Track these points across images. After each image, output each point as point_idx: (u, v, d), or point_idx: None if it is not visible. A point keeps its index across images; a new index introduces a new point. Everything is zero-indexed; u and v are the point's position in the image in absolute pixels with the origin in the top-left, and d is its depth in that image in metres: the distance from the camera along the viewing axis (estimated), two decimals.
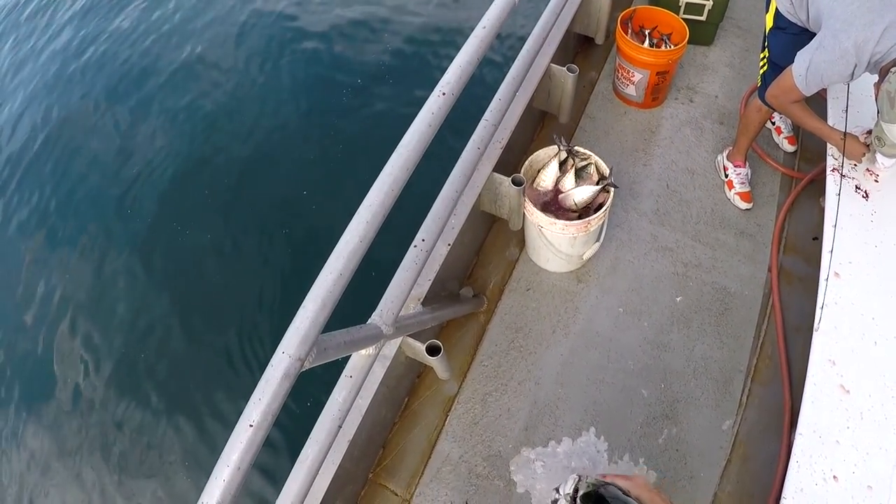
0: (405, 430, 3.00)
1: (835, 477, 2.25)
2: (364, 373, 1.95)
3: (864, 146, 2.88)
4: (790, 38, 2.96)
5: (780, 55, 3.01)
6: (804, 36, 2.84)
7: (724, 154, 3.75)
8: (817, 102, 3.54)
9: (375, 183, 1.69)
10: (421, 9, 6.80)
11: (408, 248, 2.33)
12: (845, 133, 2.86)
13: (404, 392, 3.06)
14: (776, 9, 2.97)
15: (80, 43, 7.14)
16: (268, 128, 5.85)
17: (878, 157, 2.88)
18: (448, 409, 3.04)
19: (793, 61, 2.75)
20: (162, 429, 4.29)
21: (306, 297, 1.47)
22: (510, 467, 2.89)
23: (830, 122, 3.10)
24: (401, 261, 2.29)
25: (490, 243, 3.51)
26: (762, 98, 3.21)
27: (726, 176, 3.72)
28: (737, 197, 3.66)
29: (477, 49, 2.12)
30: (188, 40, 6.85)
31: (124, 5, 7.48)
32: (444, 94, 1.93)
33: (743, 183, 3.65)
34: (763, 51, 3.19)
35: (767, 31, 3.11)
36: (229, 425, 3.96)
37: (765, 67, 3.19)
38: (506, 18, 2.29)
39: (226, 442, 1.31)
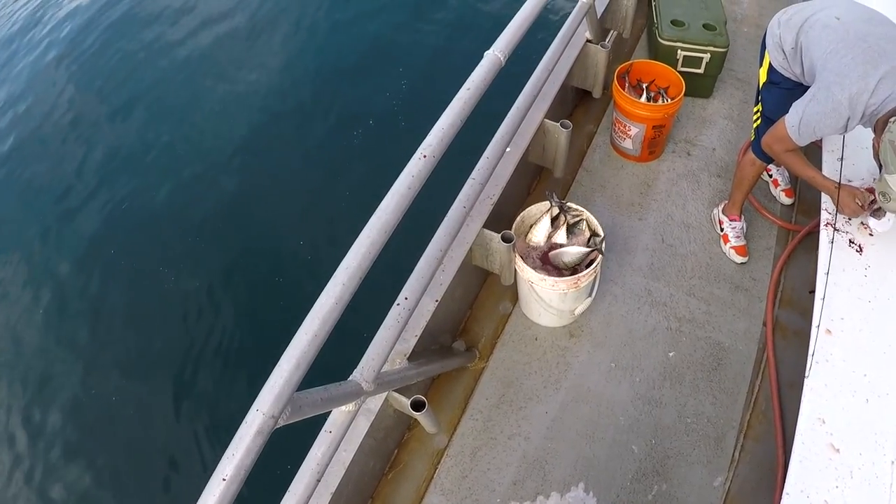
0: (394, 483, 3.06)
1: None
2: (344, 428, 2.04)
3: (858, 200, 2.87)
4: (784, 92, 3.06)
5: (773, 110, 3.11)
6: (798, 90, 2.91)
7: (720, 208, 3.84)
8: (813, 151, 3.63)
9: (354, 245, 1.79)
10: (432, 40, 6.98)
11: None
12: (839, 184, 2.90)
13: (393, 444, 3.13)
14: (769, 63, 3.08)
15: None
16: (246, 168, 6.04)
17: (871, 221, 2.92)
18: (437, 463, 3.10)
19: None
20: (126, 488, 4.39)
21: (282, 357, 1.56)
22: None
23: (825, 172, 3.14)
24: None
25: (483, 297, 3.60)
26: (755, 151, 3.33)
27: (721, 230, 3.80)
28: (732, 251, 3.74)
29: (460, 111, 2.22)
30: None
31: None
32: (425, 156, 2.03)
33: (738, 237, 3.73)
34: (757, 104, 3.31)
35: (761, 85, 3.23)
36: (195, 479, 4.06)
37: (758, 122, 3.30)
38: (491, 79, 2.39)
39: (198, 497, 1.41)
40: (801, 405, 2.54)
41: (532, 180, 4.04)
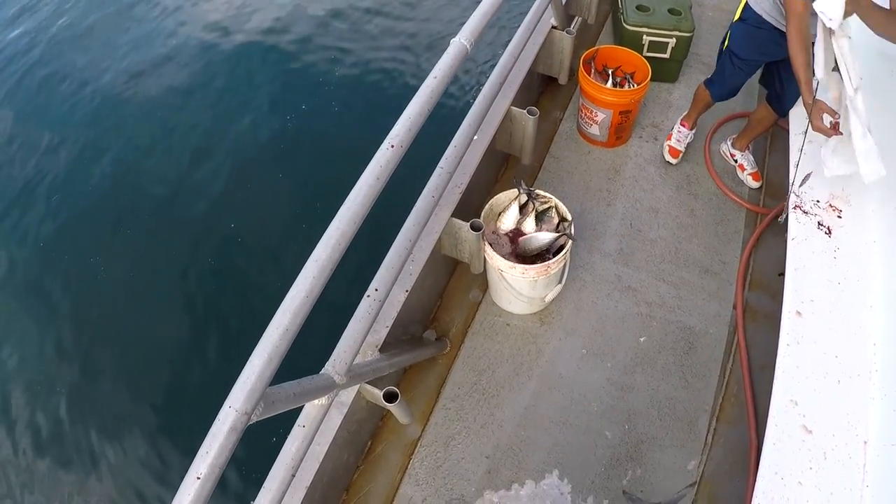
0: (368, 474, 3.06)
1: None
2: (317, 422, 2.04)
3: (827, 120, 2.87)
4: (751, 28, 3.25)
5: (738, 44, 3.36)
6: (763, 30, 3.15)
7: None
8: (782, 136, 3.67)
9: (323, 237, 1.78)
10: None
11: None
12: (815, 98, 2.90)
13: (367, 436, 3.13)
14: (745, 2, 3.24)
15: None
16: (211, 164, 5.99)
17: (827, 158, 2.93)
18: (411, 453, 3.11)
19: (751, 52, 3.22)
20: (98, 478, 4.34)
21: (253, 352, 1.56)
22: None
23: (793, 158, 3.18)
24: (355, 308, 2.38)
25: (453, 286, 3.61)
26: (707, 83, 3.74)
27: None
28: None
29: (427, 100, 2.21)
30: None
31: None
32: (392, 146, 2.03)
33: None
34: (724, 42, 3.48)
35: (733, 22, 3.39)
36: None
37: (720, 56, 3.53)
38: (458, 67, 2.38)
39: (173, 496, 1.40)
40: (773, 387, 2.54)
41: (499, 168, 4.05)
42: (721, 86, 3.71)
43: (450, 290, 3.61)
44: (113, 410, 4.58)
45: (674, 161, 4.12)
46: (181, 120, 6.44)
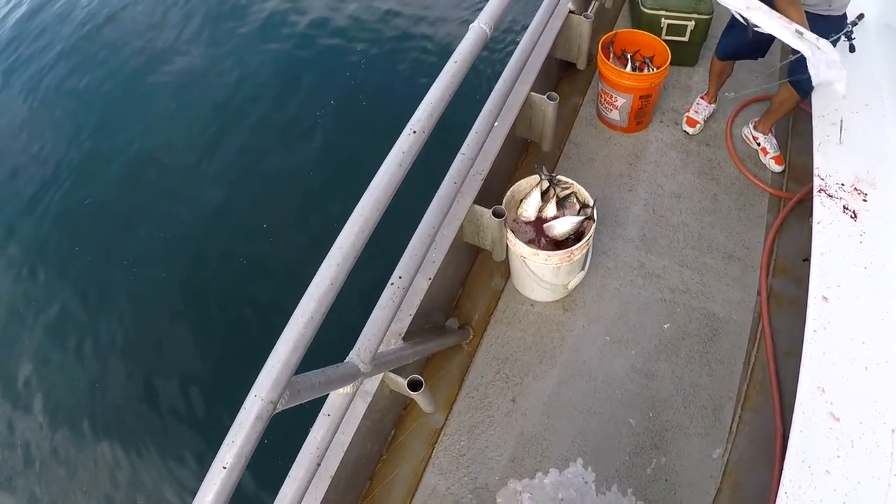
0: (392, 463, 3.05)
1: None
2: (342, 411, 2.01)
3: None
4: None
5: None
6: None
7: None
8: (805, 120, 3.62)
9: (346, 224, 1.75)
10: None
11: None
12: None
13: (390, 425, 3.11)
14: None
15: None
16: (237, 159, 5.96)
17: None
18: (435, 442, 3.09)
19: None
20: (123, 476, 4.34)
21: (278, 341, 1.53)
22: (497, 499, 2.94)
23: (817, 141, 3.16)
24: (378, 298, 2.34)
25: (475, 274, 3.57)
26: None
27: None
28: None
29: (449, 84, 2.17)
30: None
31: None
32: (414, 131, 1.99)
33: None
34: None
35: None
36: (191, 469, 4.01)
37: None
38: (478, 52, 2.34)
39: (198, 486, 1.38)
40: (799, 374, 2.50)
41: (520, 155, 4.00)
42: (725, 43, 3.76)
43: (472, 277, 3.57)
44: (136, 403, 4.59)
45: (691, 131, 4.10)
46: (197, 106, 6.43)
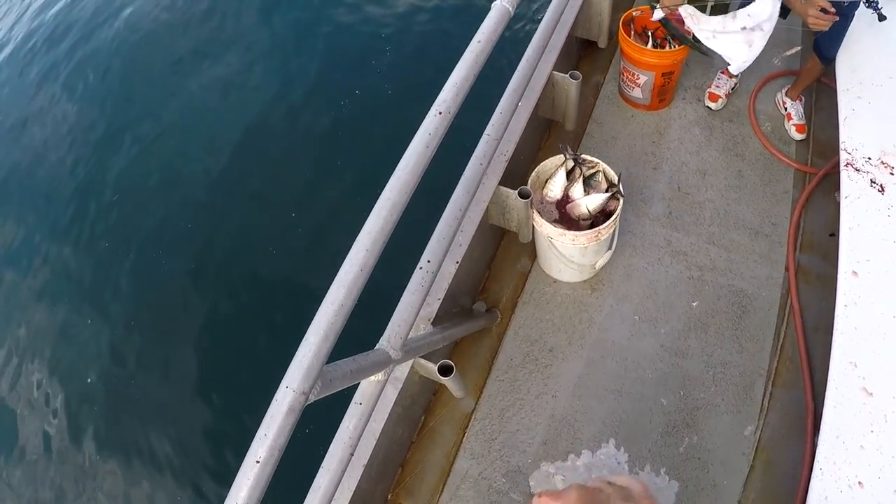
0: (423, 449, 3.01)
1: (860, 483, 2.21)
2: (374, 399, 1.96)
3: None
4: None
5: None
6: None
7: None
8: (828, 94, 3.55)
9: (374, 209, 1.69)
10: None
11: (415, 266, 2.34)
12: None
13: (420, 411, 3.07)
14: None
15: None
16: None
17: None
18: (465, 426, 3.05)
19: None
20: (158, 470, 4.33)
21: (308, 330, 1.48)
22: (530, 482, 2.90)
23: (842, 115, 3.12)
24: (407, 282, 2.29)
25: (501, 256, 3.51)
26: None
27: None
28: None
29: (473, 64, 2.10)
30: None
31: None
32: (440, 112, 1.93)
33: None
34: None
35: None
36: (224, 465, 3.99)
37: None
38: (501, 30, 2.27)
39: (232, 480, 1.33)
40: (831, 350, 2.48)
41: (543, 135, 3.92)
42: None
43: (498, 260, 3.51)
44: (166, 397, 4.59)
45: (714, 106, 4.02)
46: (224, 99, 6.38)
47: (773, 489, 2.84)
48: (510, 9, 2.29)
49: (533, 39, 3.05)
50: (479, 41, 2.14)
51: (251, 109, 6.16)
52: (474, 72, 2.09)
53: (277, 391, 1.40)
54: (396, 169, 1.78)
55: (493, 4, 2.29)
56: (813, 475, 2.25)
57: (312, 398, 1.45)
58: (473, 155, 2.56)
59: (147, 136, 6.15)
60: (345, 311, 1.52)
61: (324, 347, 1.46)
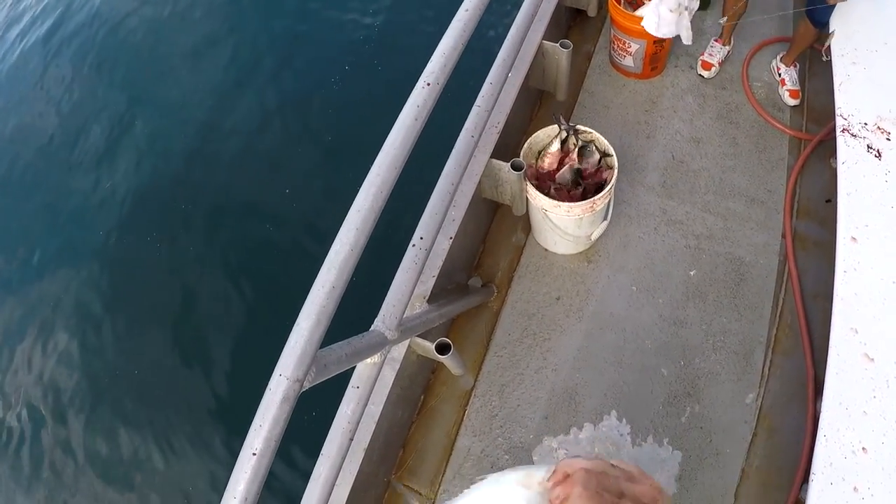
0: (424, 429, 2.96)
1: (864, 448, 2.20)
2: (371, 382, 1.89)
3: None
4: None
5: None
6: None
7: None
8: (821, 61, 3.47)
9: (363, 186, 1.61)
10: None
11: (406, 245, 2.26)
12: None
13: (419, 390, 3.01)
14: None
15: None
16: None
17: None
18: (465, 404, 3.00)
19: None
20: (149, 464, 4.27)
21: (300, 314, 1.41)
22: (533, 458, 2.86)
23: (838, 81, 3.07)
24: (400, 261, 2.21)
25: (495, 230, 3.43)
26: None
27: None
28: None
29: (461, 34, 2.02)
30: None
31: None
32: (428, 84, 1.85)
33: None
34: None
35: None
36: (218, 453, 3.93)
37: None
38: None
39: (229, 473, 1.27)
40: (832, 316, 2.45)
41: (533, 106, 3.84)
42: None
43: (492, 234, 3.43)
44: (154, 394, 4.53)
45: (707, 74, 3.94)
46: (207, 82, 6.26)
47: (776, 455, 2.81)
48: None
49: (521, 8, 2.95)
50: (467, 9, 2.06)
51: (231, 89, 6.08)
52: (462, 41, 2.01)
53: (270, 380, 1.34)
54: (384, 144, 1.69)
55: None
56: (817, 442, 2.23)
57: (307, 385, 1.39)
58: (464, 127, 2.47)
59: (123, 117, 6.07)
60: (336, 294, 1.45)
61: (316, 332, 1.40)
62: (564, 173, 2.92)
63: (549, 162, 2.97)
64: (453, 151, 2.41)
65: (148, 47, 6.68)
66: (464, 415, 2.97)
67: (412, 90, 1.82)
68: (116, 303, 4.93)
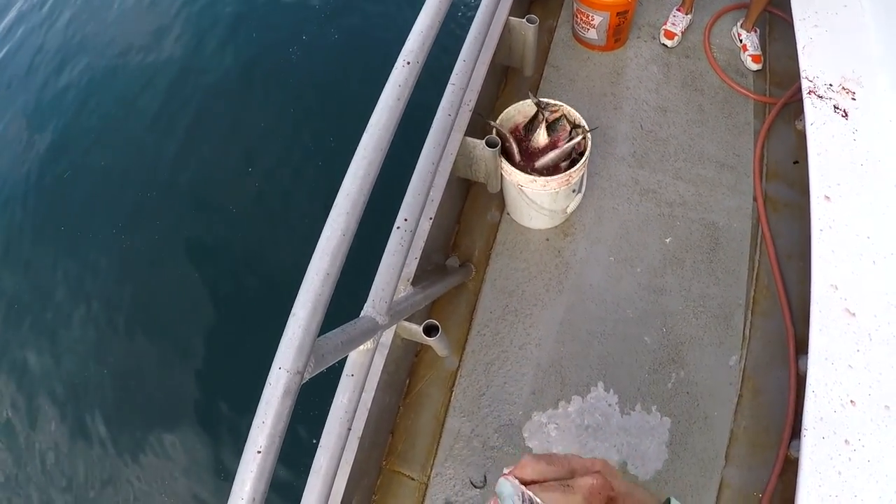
0: (412, 413, 2.90)
1: (852, 401, 2.23)
2: (365, 369, 1.83)
3: None
4: None
5: None
6: None
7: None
8: (780, 25, 3.46)
9: (349, 169, 1.54)
10: None
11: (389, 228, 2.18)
12: None
13: (404, 374, 2.95)
14: None
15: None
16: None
17: None
18: (452, 385, 2.94)
19: None
20: (138, 467, 4.17)
21: (295, 304, 1.34)
22: (524, 434, 2.82)
23: (801, 44, 3.09)
24: (384, 244, 2.13)
25: (469, 209, 3.38)
26: None
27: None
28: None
29: (438, 10, 1.95)
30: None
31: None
32: (408, 62, 1.77)
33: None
34: None
35: None
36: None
37: None
38: None
39: (234, 472, 1.21)
40: (811, 274, 2.49)
41: (499, 82, 3.77)
42: None
43: (466, 212, 3.37)
44: (149, 395, 4.40)
45: (670, 44, 3.91)
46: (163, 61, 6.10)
47: (762, 415, 2.82)
48: None
49: None
50: None
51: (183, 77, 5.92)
52: (439, 19, 1.93)
53: (270, 374, 1.26)
54: (368, 125, 1.62)
55: None
56: (806, 398, 2.26)
57: (307, 376, 1.33)
58: (440, 106, 2.39)
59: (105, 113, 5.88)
60: (331, 281, 1.38)
61: (313, 321, 1.32)
62: (546, 160, 2.85)
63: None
64: (430, 131, 2.34)
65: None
66: (451, 396, 2.92)
67: (391, 70, 1.75)
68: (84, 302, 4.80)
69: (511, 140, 2.84)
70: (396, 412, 2.89)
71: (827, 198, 2.62)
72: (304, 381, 1.30)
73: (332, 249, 1.40)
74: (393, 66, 1.75)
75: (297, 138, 5.25)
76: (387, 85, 1.72)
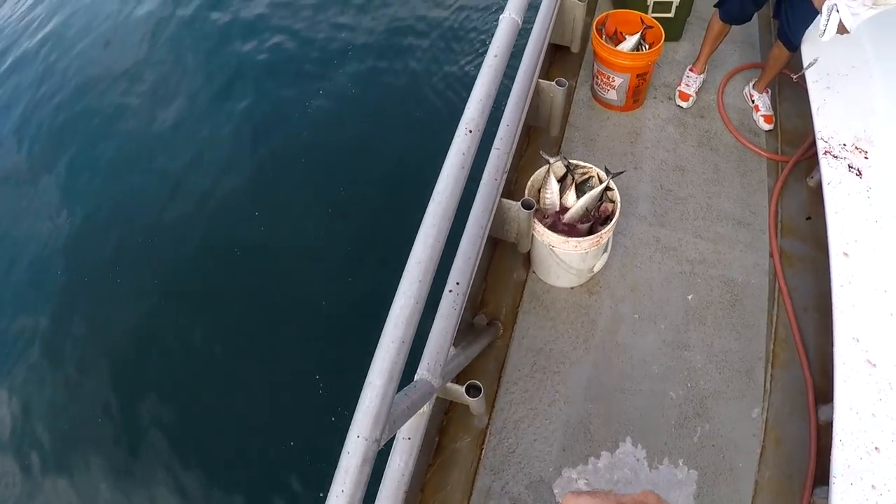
0: (442, 470, 2.86)
1: (876, 448, 2.26)
2: (421, 432, 1.83)
3: None
4: None
5: None
6: None
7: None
8: (790, 85, 3.50)
9: (418, 237, 1.56)
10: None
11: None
12: None
13: (434, 431, 2.92)
14: None
15: None
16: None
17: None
18: (482, 443, 2.92)
19: None
20: None
21: (370, 371, 1.35)
22: (554, 490, 2.79)
23: (815, 106, 3.14)
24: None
25: (495, 268, 3.37)
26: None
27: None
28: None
29: (493, 79, 2.02)
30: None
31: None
32: (470, 131, 1.81)
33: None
34: None
35: None
36: None
37: None
38: (513, 41, 2.21)
39: None
40: (833, 328, 2.52)
41: (523, 143, 3.80)
42: (730, 4, 3.62)
43: (492, 271, 3.37)
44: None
45: (685, 104, 3.97)
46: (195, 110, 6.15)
47: (785, 464, 2.83)
48: (518, 20, 2.21)
49: (527, 50, 2.91)
50: (496, 55, 2.05)
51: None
52: (495, 86, 1.99)
53: (347, 442, 1.27)
54: (434, 193, 1.64)
55: (500, 18, 2.21)
56: (833, 446, 2.28)
57: (382, 443, 1.32)
58: (486, 171, 2.40)
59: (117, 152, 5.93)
60: (406, 348, 1.40)
61: (390, 390, 1.34)
62: (576, 210, 2.88)
63: (549, 199, 2.93)
64: (478, 196, 2.36)
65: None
66: (481, 453, 2.89)
67: (453, 138, 1.77)
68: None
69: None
70: (426, 470, 2.86)
71: (846, 254, 2.66)
72: (379, 448, 1.30)
73: (406, 317, 1.41)
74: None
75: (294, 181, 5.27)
76: (449, 153, 1.74)
